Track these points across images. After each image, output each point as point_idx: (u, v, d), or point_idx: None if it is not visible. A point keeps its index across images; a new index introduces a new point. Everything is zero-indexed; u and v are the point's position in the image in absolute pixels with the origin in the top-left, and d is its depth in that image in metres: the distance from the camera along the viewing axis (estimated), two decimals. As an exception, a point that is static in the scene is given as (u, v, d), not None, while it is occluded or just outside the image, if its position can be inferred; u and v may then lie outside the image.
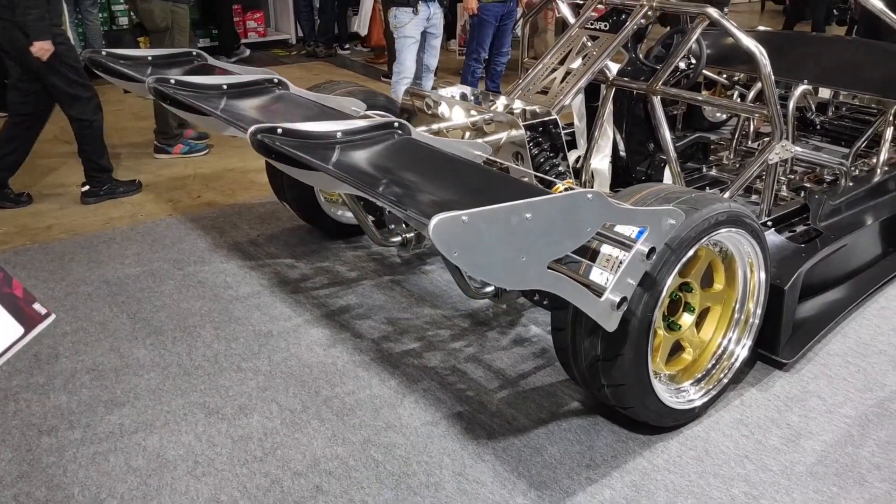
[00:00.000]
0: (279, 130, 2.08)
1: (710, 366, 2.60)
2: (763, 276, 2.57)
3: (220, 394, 2.68)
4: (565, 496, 2.22)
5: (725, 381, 2.59)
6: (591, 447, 2.42)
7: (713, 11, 3.23)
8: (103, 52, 3.14)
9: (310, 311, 3.25)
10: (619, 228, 2.06)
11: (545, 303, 2.70)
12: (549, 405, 2.64)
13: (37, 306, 1.25)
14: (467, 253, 1.53)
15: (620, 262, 2.02)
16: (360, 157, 2.11)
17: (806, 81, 4.22)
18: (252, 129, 2.05)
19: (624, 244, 1.95)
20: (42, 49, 3.91)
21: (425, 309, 3.28)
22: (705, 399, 2.53)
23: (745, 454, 2.40)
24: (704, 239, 2.28)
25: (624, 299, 1.97)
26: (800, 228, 3.28)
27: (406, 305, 3.31)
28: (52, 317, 1.27)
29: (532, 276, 1.69)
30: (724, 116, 4.99)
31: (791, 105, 3.95)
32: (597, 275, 2.12)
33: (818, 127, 4.66)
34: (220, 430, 2.49)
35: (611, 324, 2.00)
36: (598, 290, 1.96)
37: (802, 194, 3.53)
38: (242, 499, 2.20)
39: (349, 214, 3.95)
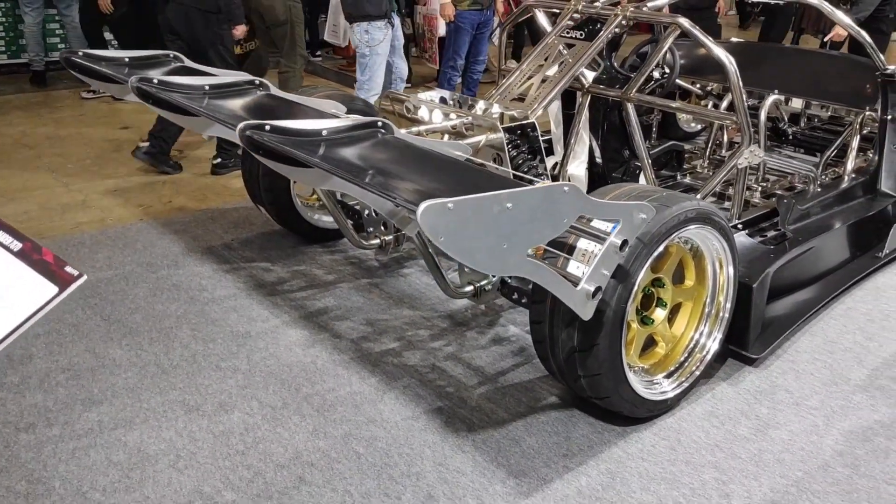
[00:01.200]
0: (267, 127, 2.12)
1: (682, 359, 2.69)
2: (731, 271, 2.66)
3: (200, 392, 2.68)
4: (542, 483, 2.27)
5: (697, 373, 2.67)
6: (568, 438, 2.48)
7: (684, 21, 3.35)
8: (80, 53, 3.13)
9: (287, 313, 3.26)
10: (595, 223, 2.13)
11: (523, 301, 2.77)
12: (527, 400, 2.69)
13: (68, 269, 1.29)
14: (452, 238, 1.59)
15: (595, 256, 2.09)
16: (347, 153, 2.16)
17: (776, 91, 4.39)
18: (241, 125, 2.08)
19: (598, 236, 2.03)
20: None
21: (404, 310, 3.32)
22: (678, 391, 2.61)
23: (715, 443, 2.49)
24: (675, 235, 2.37)
25: (598, 289, 2.04)
26: (770, 232, 3.39)
27: (385, 307, 3.35)
28: (84, 277, 1.31)
29: (512, 263, 1.76)
30: (700, 127, 5.15)
31: (762, 114, 4.11)
32: (574, 267, 2.19)
33: (790, 137, 4.83)
34: (200, 425, 2.49)
35: (586, 312, 2.07)
36: (574, 280, 2.03)
37: (774, 199, 3.67)
38: (226, 490, 2.21)
39: (326, 218, 3.97)
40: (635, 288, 2.27)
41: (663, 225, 2.29)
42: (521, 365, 2.91)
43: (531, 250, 2.18)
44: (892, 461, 2.42)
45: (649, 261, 2.29)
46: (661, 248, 2.34)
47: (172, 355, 2.91)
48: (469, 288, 2.80)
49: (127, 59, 3.28)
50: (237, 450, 2.38)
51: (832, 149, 4.26)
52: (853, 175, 4.01)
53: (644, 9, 3.61)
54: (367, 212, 3.39)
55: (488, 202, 1.62)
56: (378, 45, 5.28)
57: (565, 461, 2.37)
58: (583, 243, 2.22)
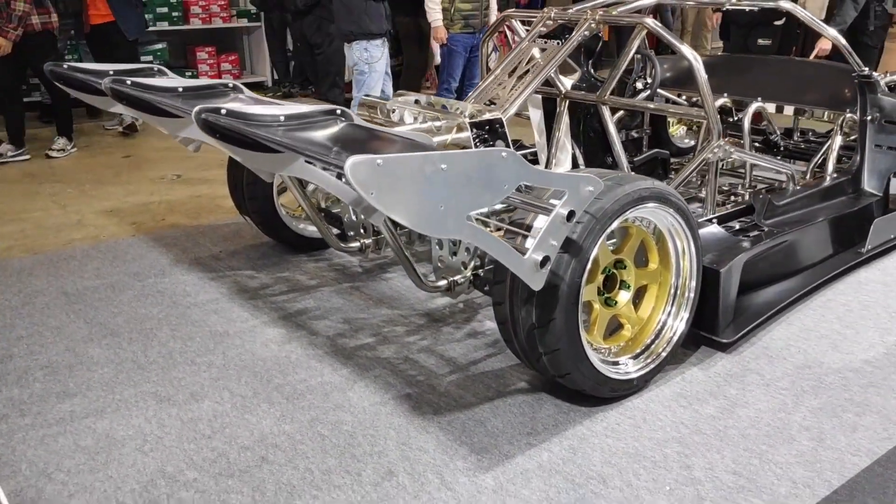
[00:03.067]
0: (223, 111, 2.20)
1: (649, 341, 2.69)
2: (693, 250, 2.68)
3: (173, 384, 2.72)
4: (504, 459, 2.28)
5: (664, 354, 2.67)
6: (534, 418, 2.49)
7: (650, 21, 3.44)
8: (65, 66, 3.26)
9: (267, 314, 3.31)
10: (553, 201, 2.17)
11: None
12: (496, 385, 2.70)
13: None
14: (383, 195, 1.63)
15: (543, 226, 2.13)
16: (302, 135, 2.22)
17: (760, 99, 4.45)
18: (196, 108, 2.16)
19: (545, 208, 2.06)
20: None
21: (383, 309, 3.35)
22: (643, 371, 2.61)
23: (681, 421, 2.48)
24: (629, 212, 2.40)
25: (547, 258, 2.07)
26: (751, 231, 3.40)
27: (364, 307, 3.38)
28: None
29: (451, 226, 1.79)
30: (693, 142, 5.20)
31: (746, 121, 4.17)
32: (531, 243, 2.23)
33: (782, 149, 4.88)
34: (170, 413, 2.53)
35: (536, 283, 2.09)
36: (523, 251, 2.06)
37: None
38: (188, 469, 2.23)
39: (311, 228, 4.04)
40: (589, 263, 2.30)
41: (616, 202, 2.33)
42: (493, 355, 2.93)
43: (482, 217, 2.23)
44: (859, 435, 2.41)
45: (603, 236, 2.32)
46: (615, 225, 2.37)
47: (150, 352, 2.95)
48: (443, 282, 2.83)
49: (111, 72, 3.40)
50: (204, 434, 2.41)
51: (819, 155, 4.30)
52: (835, 175, 4.03)
53: (614, 13, 3.71)
54: (346, 217, 3.46)
55: (420, 161, 1.67)
56: (376, 62, 5.43)
57: (529, 439, 2.38)
58: (539, 221, 2.25)
